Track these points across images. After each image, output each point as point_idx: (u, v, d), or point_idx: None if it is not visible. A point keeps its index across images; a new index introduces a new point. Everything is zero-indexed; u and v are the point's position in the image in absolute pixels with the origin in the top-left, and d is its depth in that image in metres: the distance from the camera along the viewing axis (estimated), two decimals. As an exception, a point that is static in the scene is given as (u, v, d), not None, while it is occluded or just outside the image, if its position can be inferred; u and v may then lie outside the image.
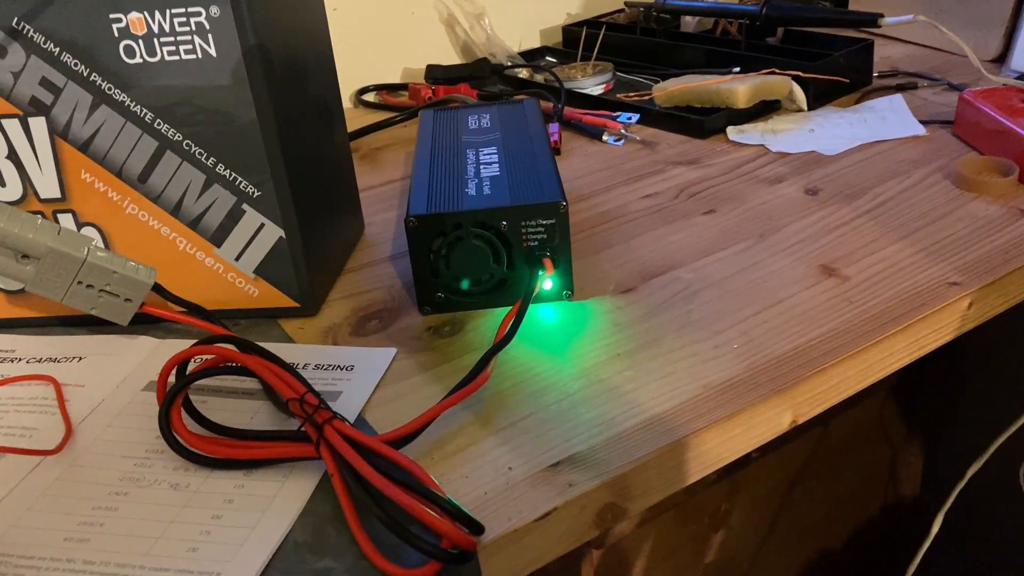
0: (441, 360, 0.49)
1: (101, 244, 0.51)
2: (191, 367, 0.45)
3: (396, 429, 0.41)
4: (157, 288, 0.48)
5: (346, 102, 0.94)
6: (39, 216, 0.45)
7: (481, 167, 0.57)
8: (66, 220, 0.52)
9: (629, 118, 0.79)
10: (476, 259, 0.52)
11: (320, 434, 0.39)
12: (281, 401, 0.44)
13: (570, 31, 1.02)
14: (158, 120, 0.48)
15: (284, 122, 0.49)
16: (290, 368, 0.43)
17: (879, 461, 1.16)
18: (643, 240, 0.60)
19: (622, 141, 0.77)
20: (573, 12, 1.07)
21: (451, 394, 0.43)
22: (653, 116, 0.80)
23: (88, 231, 0.52)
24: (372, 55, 0.95)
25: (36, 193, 0.51)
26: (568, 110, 0.81)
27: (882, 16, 0.78)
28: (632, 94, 0.85)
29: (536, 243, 0.51)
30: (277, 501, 0.39)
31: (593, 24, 1.02)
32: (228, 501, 0.40)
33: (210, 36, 0.46)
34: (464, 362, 0.48)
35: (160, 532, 0.38)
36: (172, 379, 0.43)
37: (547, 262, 0.51)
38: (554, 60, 0.99)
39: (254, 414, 0.45)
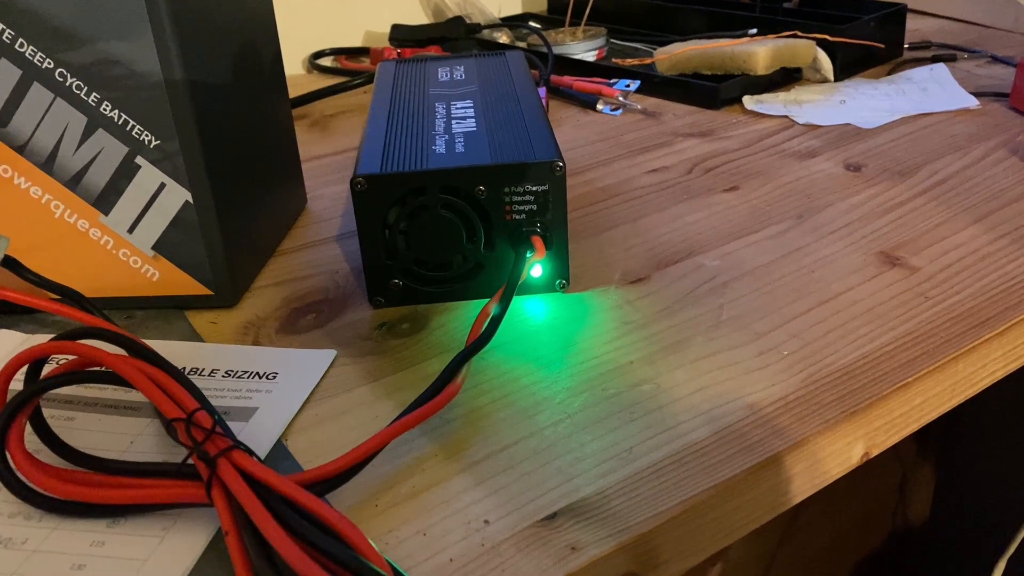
0: (396, 367, 0.37)
1: (-53, 207, 0.39)
2: (47, 370, 0.32)
3: (326, 464, 0.29)
4: (8, 263, 0.35)
5: (299, 67, 0.82)
6: None
7: (453, 122, 0.45)
8: (-97, 175, 0.39)
9: (628, 85, 0.67)
10: (444, 235, 0.40)
11: (213, 471, 0.27)
12: (165, 421, 0.32)
13: (557, -5, 0.90)
14: (21, 40, 0.36)
15: (191, 56, 0.37)
16: (180, 376, 0.31)
17: (887, 485, 1.05)
18: (653, 220, 0.48)
19: (620, 111, 0.66)
20: (560, -23, 0.96)
21: (406, 413, 0.31)
22: (656, 84, 0.68)
23: (-68, 190, 0.39)
24: (330, 17, 0.83)
25: None
26: (556, 77, 0.70)
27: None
28: (630, 60, 0.73)
29: (523, 216, 0.40)
30: (149, 568, 0.27)
31: (582, -11, 0.91)
32: (78, 567, 0.27)
33: (86, -79, 0.34)
34: (428, 369, 0.37)
35: (-33, 617, 0.26)
36: (15, 387, 0.31)
37: (537, 241, 0.39)
38: (538, 26, 0.88)
39: (135, 437, 0.33)
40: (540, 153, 0.40)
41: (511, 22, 0.88)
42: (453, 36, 0.78)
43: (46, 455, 0.30)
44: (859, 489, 1.02)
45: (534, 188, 0.39)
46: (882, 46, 0.69)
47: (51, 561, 0.28)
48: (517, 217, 0.40)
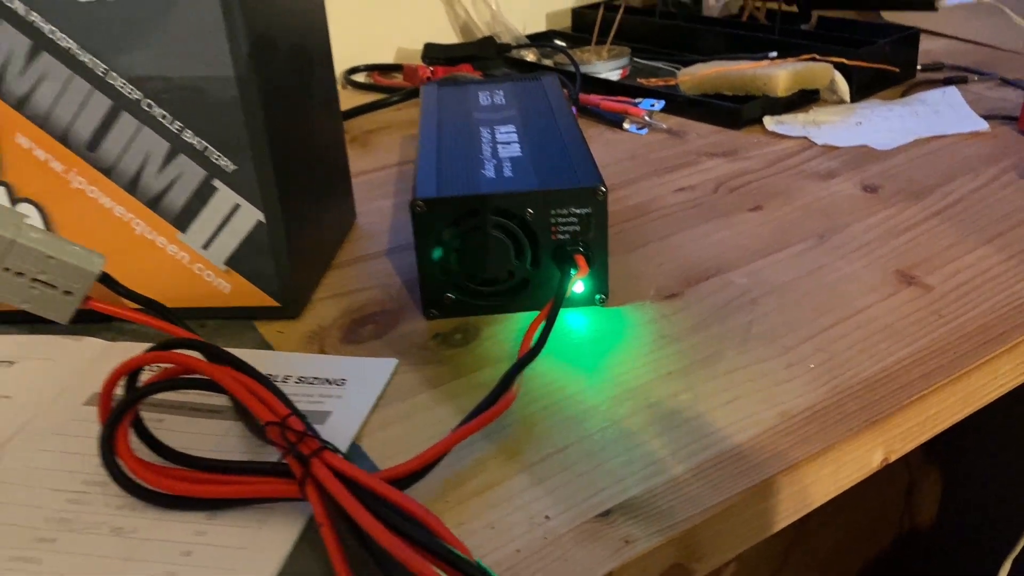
0: (452, 375, 0.40)
1: (39, 224, 0.42)
2: (144, 378, 0.36)
3: (402, 464, 0.32)
4: (105, 279, 0.38)
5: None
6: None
7: (499, 147, 0.48)
8: (-2, 194, 0.42)
9: (652, 104, 0.71)
10: (495, 253, 0.43)
11: (306, 470, 0.31)
12: (256, 424, 0.35)
13: (581, 14, 0.93)
14: (112, 73, 0.39)
15: (267, 83, 0.41)
16: (268, 382, 0.34)
17: (895, 489, 1.08)
18: (683, 238, 0.51)
19: (645, 130, 0.69)
20: (582, -4, 0.99)
21: (469, 419, 0.34)
22: (679, 103, 0.72)
23: (24, 208, 0.43)
24: (364, 33, 0.87)
25: (-39, 160, 0.42)
26: (583, 96, 0.73)
27: (939, -2, 0.70)
28: (655, 80, 0.77)
29: (567, 236, 0.43)
30: (248, 555, 0.30)
31: (607, 6, 0.94)
32: (185, 553, 0.31)
33: (179, -32, 0.37)
34: (481, 377, 0.40)
35: (94, 596, 0.29)
36: (120, 393, 0.34)
37: (580, 259, 0.43)
38: (563, 44, 0.91)
39: (221, 438, 0.36)
40: (584, 179, 0.43)
41: (536, 39, 0.92)
42: (484, 56, 0.81)
43: (142, 453, 0.34)
44: (868, 493, 1.05)
45: (578, 211, 0.42)
46: (896, 70, 0.72)
47: (160, 548, 0.31)
48: (561, 237, 0.43)
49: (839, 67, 0.70)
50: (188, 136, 0.41)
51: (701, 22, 0.86)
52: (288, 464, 0.32)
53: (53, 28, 0.39)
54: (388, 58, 0.89)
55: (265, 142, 0.41)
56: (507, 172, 0.44)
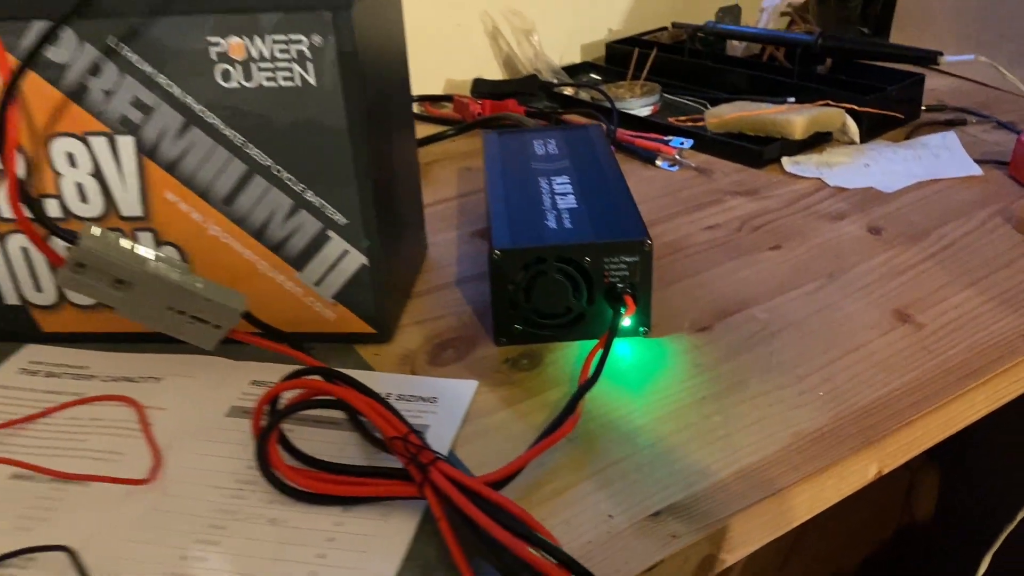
0: (524, 395, 0.49)
1: (185, 264, 0.51)
2: (282, 394, 0.44)
3: (495, 471, 0.41)
4: (246, 316, 0.47)
5: (390, 111, 0.94)
6: (133, 242, 0.45)
7: (557, 198, 0.56)
8: (146, 238, 0.51)
9: (682, 143, 0.79)
10: (556, 293, 0.52)
11: (424, 475, 0.39)
12: (376, 436, 0.44)
13: (613, 48, 1.02)
14: (249, 145, 0.48)
15: (375, 150, 0.49)
16: (386, 403, 0.43)
17: (896, 488, 1.17)
18: (712, 275, 0.60)
19: (676, 167, 0.77)
20: (615, 28, 1.07)
21: (544, 436, 0.43)
22: (706, 142, 0.80)
23: (168, 250, 0.51)
24: (415, 65, 0.95)
25: (117, 210, 0.51)
26: (620, 131, 0.81)
27: (941, 55, 0.78)
28: (683, 118, 0.85)
29: (617, 279, 0.51)
30: (379, 541, 0.39)
31: (636, 42, 1.02)
32: (329, 539, 0.39)
33: (310, 65, 0.46)
34: (548, 398, 0.49)
35: (265, 570, 0.38)
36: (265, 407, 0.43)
37: (628, 300, 0.51)
38: (598, 77, 0.99)
39: (343, 445, 0.45)
40: (632, 232, 0.51)
41: (572, 71, 1.00)
42: (527, 92, 0.89)
43: (287, 459, 0.42)
44: (869, 491, 1.13)
45: (628, 259, 0.51)
46: (901, 116, 0.80)
47: (308, 535, 0.40)
48: (613, 279, 0.52)
49: (850, 111, 0.78)
50: (309, 196, 0.49)
51: (726, 62, 0.94)
52: (409, 470, 0.40)
53: (203, 107, 0.47)
54: (438, 89, 0.97)
55: (371, 202, 0.49)
56: (567, 223, 0.53)
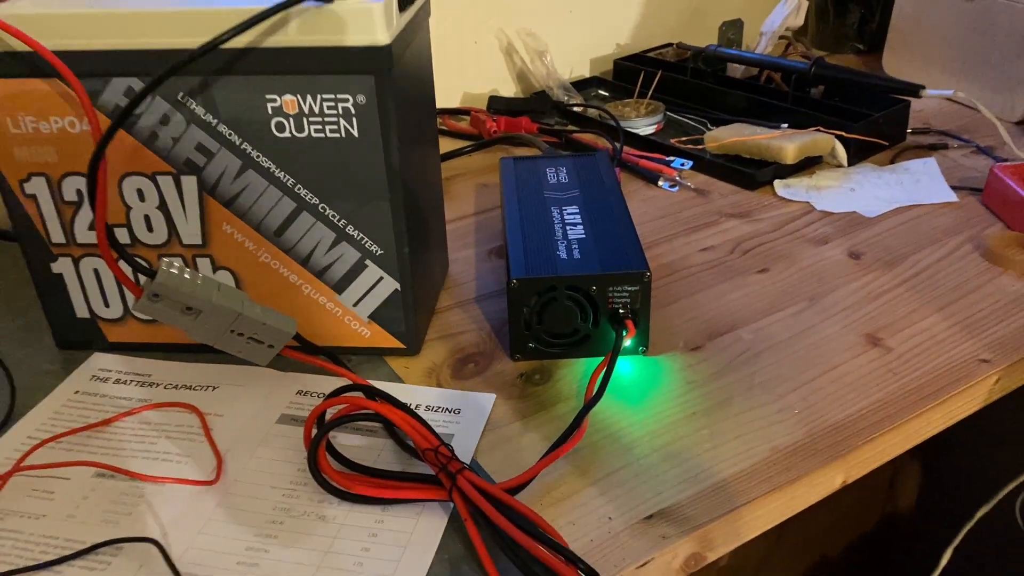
0: (536, 408, 0.56)
1: (238, 288, 0.58)
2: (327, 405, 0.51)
3: (513, 479, 0.48)
4: (297, 337, 0.54)
5: (410, 124, 1.00)
6: (202, 274, 0.51)
7: (567, 228, 0.63)
8: (204, 264, 0.58)
9: (683, 164, 0.85)
10: (566, 316, 0.58)
11: (453, 482, 0.46)
12: (408, 444, 0.51)
13: (621, 64, 1.07)
14: (298, 186, 0.55)
15: (409, 190, 0.56)
16: (420, 418, 0.50)
17: (879, 479, 1.24)
18: (705, 296, 0.66)
19: (677, 188, 0.84)
20: (623, 43, 1.13)
21: (554, 448, 0.50)
22: (705, 163, 0.86)
23: (223, 274, 0.58)
24: (435, 80, 1.01)
25: (179, 239, 0.57)
26: (625, 151, 0.88)
27: (923, 88, 0.84)
28: (684, 139, 0.91)
29: (619, 305, 0.58)
30: (415, 537, 0.46)
31: (642, 59, 1.08)
32: (372, 535, 0.46)
33: (354, 119, 0.52)
34: (558, 411, 0.55)
35: (319, 561, 0.45)
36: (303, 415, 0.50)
37: (629, 324, 0.58)
38: (605, 93, 1.05)
39: (380, 451, 0.52)
40: (634, 265, 0.58)
41: (580, 85, 1.06)
42: (539, 109, 0.96)
43: (333, 464, 0.49)
44: (854, 483, 1.21)
45: (629, 288, 0.58)
46: (886, 143, 0.87)
47: (354, 530, 0.47)
48: (616, 305, 0.58)
49: (839, 137, 0.85)
50: (350, 230, 0.56)
51: (726, 83, 1.00)
52: (440, 478, 0.47)
53: (258, 153, 0.54)
54: (455, 101, 1.04)
55: (405, 238, 0.56)
56: (576, 254, 0.59)
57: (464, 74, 1.03)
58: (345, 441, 0.53)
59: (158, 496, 0.49)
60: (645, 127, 0.94)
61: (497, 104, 0.97)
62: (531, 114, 0.96)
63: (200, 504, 0.49)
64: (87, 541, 0.46)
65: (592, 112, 0.97)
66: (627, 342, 0.59)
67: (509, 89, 1.07)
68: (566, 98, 1.00)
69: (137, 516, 0.48)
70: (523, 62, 1.04)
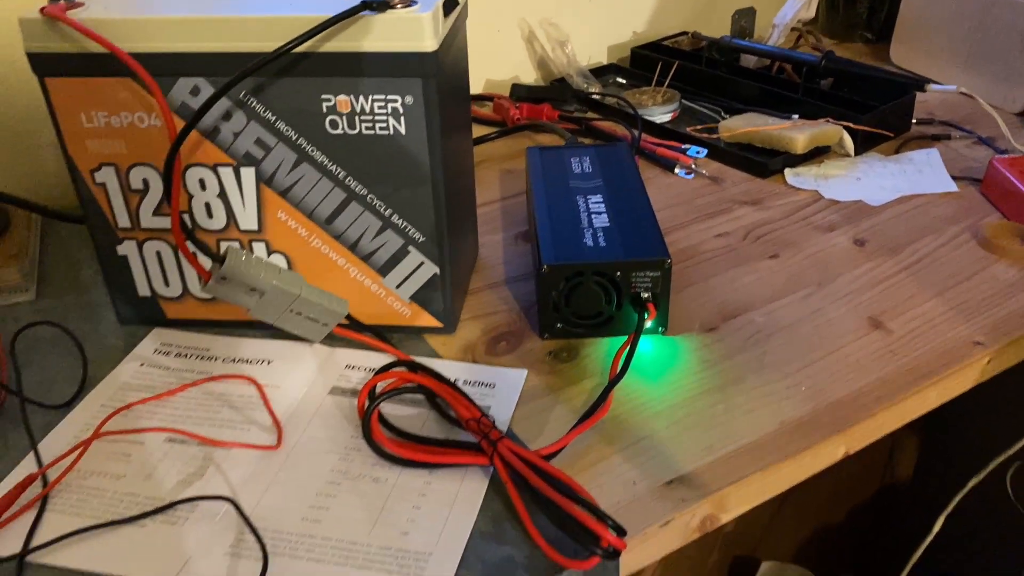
0: (564, 383, 0.61)
1: (285, 266, 0.63)
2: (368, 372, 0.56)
3: (548, 447, 0.53)
4: (348, 316, 0.59)
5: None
6: (266, 260, 0.56)
7: (592, 216, 0.68)
8: (259, 248, 0.63)
9: (698, 152, 0.90)
10: (592, 299, 0.63)
11: (494, 449, 0.52)
12: (450, 415, 0.56)
13: (637, 53, 1.11)
14: (349, 178, 0.59)
15: (448, 182, 0.61)
16: (461, 391, 0.55)
17: (879, 449, 1.29)
18: (719, 280, 0.71)
19: (692, 175, 0.88)
20: (639, 31, 1.17)
21: (583, 420, 0.55)
22: (719, 152, 0.91)
23: (277, 258, 0.63)
24: (459, 67, 1.05)
25: (237, 225, 0.62)
26: (643, 139, 0.92)
27: (929, 83, 0.88)
28: (699, 127, 0.95)
29: (641, 289, 0.63)
30: (459, 498, 0.52)
31: (658, 47, 1.12)
32: (422, 495, 0.52)
33: (402, 118, 0.57)
34: (584, 386, 0.61)
35: (375, 518, 0.50)
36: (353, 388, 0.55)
37: (651, 307, 0.63)
38: (623, 81, 1.09)
39: (424, 421, 0.57)
40: (656, 252, 0.63)
41: (599, 73, 1.10)
42: (560, 98, 1.00)
43: (385, 432, 0.55)
44: (854, 454, 1.26)
45: (651, 274, 0.62)
46: (892, 135, 0.91)
47: (405, 491, 0.52)
48: (638, 289, 0.63)
49: (847, 128, 0.89)
50: (395, 219, 0.61)
51: (740, 73, 1.04)
52: (481, 445, 0.53)
53: (313, 148, 0.59)
54: (478, 88, 1.08)
55: (445, 227, 0.61)
56: (601, 242, 0.64)
57: (487, 61, 1.08)
58: (392, 412, 0.58)
59: (226, 459, 0.55)
60: (661, 115, 0.98)
61: (520, 92, 1.02)
62: (552, 101, 1.00)
63: (265, 467, 0.54)
64: (165, 499, 0.52)
65: (610, 100, 1.01)
66: (648, 323, 0.64)
67: (529, 76, 1.11)
68: (585, 86, 1.04)
69: (208, 477, 0.53)
70: (544, 50, 1.08)
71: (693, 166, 0.88)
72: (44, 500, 0.52)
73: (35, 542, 0.49)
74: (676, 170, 0.89)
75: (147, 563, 0.48)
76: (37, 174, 0.87)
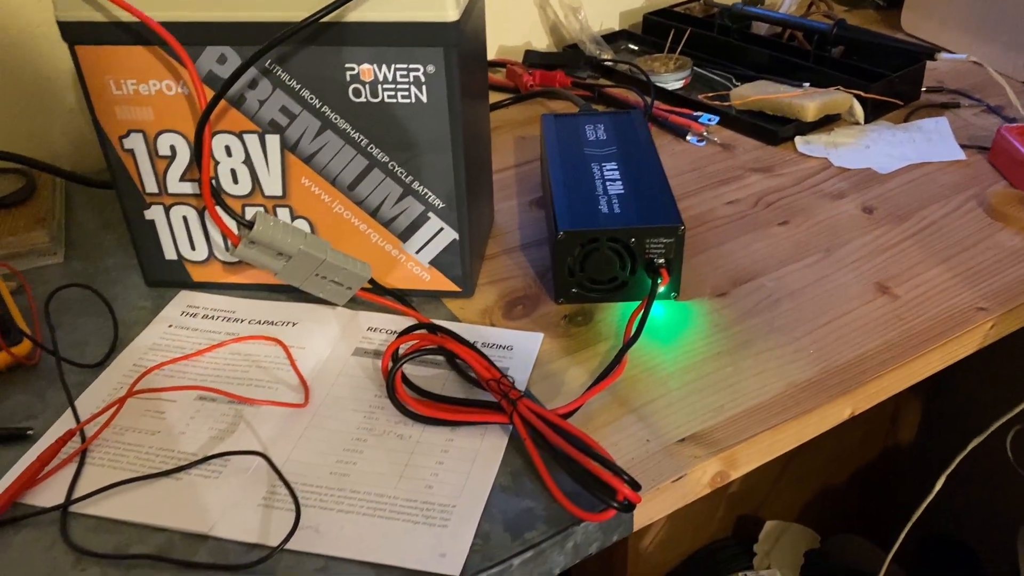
0: (579, 346, 0.63)
1: (328, 243, 0.65)
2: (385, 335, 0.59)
3: (564, 406, 0.55)
4: (371, 281, 0.61)
5: (449, 76, 1.05)
6: (293, 225, 0.58)
7: (607, 183, 0.69)
8: (283, 213, 0.65)
9: (710, 119, 0.91)
10: (606, 265, 0.65)
11: (514, 408, 0.54)
12: (470, 375, 0.59)
13: (649, 20, 1.12)
14: (371, 145, 0.61)
15: (468, 149, 0.62)
16: (478, 351, 0.57)
17: (882, 413, 1.32)
18: (731, 247, 0.73)
19: (704, 142, 0.89)
20: (651, -3, 1.17)
21: (598, 382, 0.57)
22: (730, 119, 0.92)
23: (300, 223, 0.65)
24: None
25: (261, 191, 0.64)
26: (656, 106, 0.93)
27: (940, 51, 0.89)
28: (711, 94, 0.96)
29: (655, 255, 0.65)
30: (480, 454, 0.54)
31: (670, 14, 1.12)
32: (444, 451, 0.54)
33: (424, 87, 0.58)
34: (599, 349, 0.63)
35: (400, 472, 0.53)
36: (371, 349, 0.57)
37: (664, 272, 0.65)
38: (635, 47, 1.10)
39: (445, 382, 0.60)
40: (669, 218, 0.64)
41: (610, 39, 1.11)
42: (572, 64, 1.01)
43: (408, 391, 0.57)
44: (858, 416, 1.28)
45: (665, 240, 0.64)
46: (901, 103, 0.92)
47: (429, 447, 0.54)
48: (652, 255, 0.65)
49: (857, 96, 0.90)
50: (416, 186, 0.62)
51: (751, 40, 1.05)
52: (501, 404, 0.55)
53: (336, 116, 0.60)
54: (491, 55, 1.09)
55: (464, 193, 0.62)
56: (616, 208, 0.66)
57: (500, 27, 1.08)
58: (414, 372, 0.60)
59: (256, 417, 0.57)
60: (673, 82, 0.99)
61: (533, 58, 1.03)
62: (565, 68, 1.01)
63: (293, 424, 0.56)
64: (199, 453, 0.54)
65: (623, 67, 1.02)
66: (661, 288, 0.66)
67: (542, 42, 1.12)
68: (598, 52, 1.05)
69: (239, 433, 0.56)
70: (556, 16, 1.09)
71: (705, 133, 0.89)
72: (83, 454, 0.54)
73: (76, 493, 0.52)
74: (688, 137, 0.90)
75: (184, 514, 0.50)
76: (57, 139, 0.89)
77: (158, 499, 0.51)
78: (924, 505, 0.80)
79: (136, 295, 0.70)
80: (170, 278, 0.70)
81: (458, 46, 0.57)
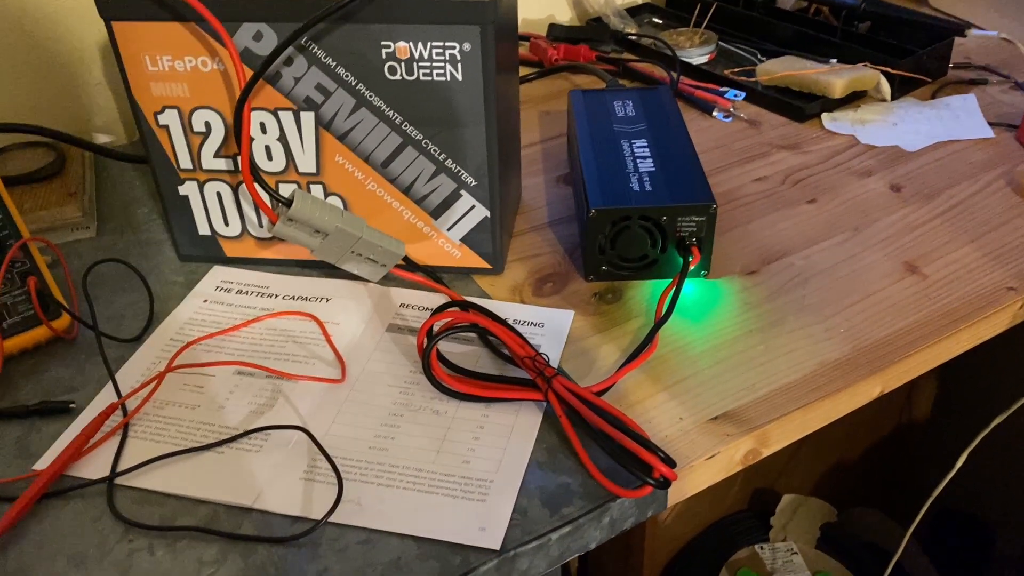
0: (610, 324, 0.63)
1: (363, 220, 0.65)
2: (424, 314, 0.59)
3: (599, 383, 0.56)
4: (405, 258, 0.62)
5: (472, 50, 1.05)
6: (330, 202, 0.59)
7: (637, 161, 0.69)
8: (316, 190, 0.65)
9: (736, 95, 0.91)
10: (637, 243, 0.65)
11: (548, 385, 0.55)
12: (503, 352, 0.59)
13: (674, -8, 1.11)
14: (405, 123, 0.61)
15: (501, 126, 0.62)
16: (512, 328, 0.58)
17: (899, 389, 1.32)
18: (759, 224, 0.73)
19: (730, 118, 0.89)
20: (675, -30, 1.16)
21: (631, 360, 0.58)
22: (756, 95, 0.91)
23: (333, 199, 0.65)
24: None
25: (296, 167, 0.64)
26: (682, 81, 0.93)
27: (969, 27, 0.88)
28: (736, 69, 0.96)
29: (687, 233, 0.65)
30: (516, 430, 0.55)
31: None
32: (480, 427, 0.55)
33: (460, 65, 0.58)
34: (629, 327, 0.63)
35: (437, 447, 0.54)
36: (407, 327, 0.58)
37: (695, 250, 0.65)
38: (659, 21, 1.10)
39: (478, 358, 0.60)
40: (701, 197, 0.65)
41: (633, 12, 1.10)
42: (597, 38, 1.00)
43: (443, 368, 0.58)
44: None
45: (696, 219, 0.64)
46: (929, 80, 0.91)
47: (464, 423, 0.55)
48: (683, 233, 0.65)
49: (884, 73, 0.89)
50: (448, 163, 0.63)
51: (776, 15, 1.04)
52: (536, 381, 0.55)
53: (371, 93, 0.60)
54: (514, 28, 1.08)
55: (497, 172, 0.63)
56: (647, 186, 0.66)
57: (523, 1, 1.08)
58: (447, 349, 0.61)
59: (294, 391, 0.58)
60: (698, 57, 0.99)
61: (557, 32, 1.02)
62: (589, 42, 1.01)
63: (332, 398, 0.57)
64: (239, 427, 0.55)
65: (647, 41, 1.02)
66: (691, 266, 0.66)
67: (565, 15, 1.11)
68: (622, 26, 1.04)
69: (279, 408, 0.57)
70: (580, -11, 1.08)
71: (732, 109, 0.89)
72: (126, 428, 0.55)
73: (120, 466, 0.53)
74: (714, 113, 0.90)
75: (227, 487, 0.51)
76: (84, 114, 0.89)
77: (201, 472, 0.52)
78: (945, 481, 0.81)
79: (169, 270, 0.70)
80: (203, 253, 0.70)
81: (494, 24, 0.57)
